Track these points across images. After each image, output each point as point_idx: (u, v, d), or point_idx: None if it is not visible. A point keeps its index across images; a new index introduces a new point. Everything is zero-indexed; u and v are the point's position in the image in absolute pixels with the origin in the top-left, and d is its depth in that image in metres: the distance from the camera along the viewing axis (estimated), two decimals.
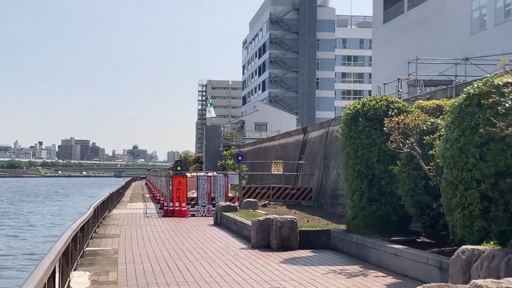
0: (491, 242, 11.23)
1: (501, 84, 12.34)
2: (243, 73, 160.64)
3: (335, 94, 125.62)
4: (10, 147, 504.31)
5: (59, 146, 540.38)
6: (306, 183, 38.43)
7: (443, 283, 7.47)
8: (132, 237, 21.45)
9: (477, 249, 10.45)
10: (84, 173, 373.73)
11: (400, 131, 15.14)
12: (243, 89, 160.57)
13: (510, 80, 12.32)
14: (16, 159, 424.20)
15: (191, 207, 32.03)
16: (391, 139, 15.33)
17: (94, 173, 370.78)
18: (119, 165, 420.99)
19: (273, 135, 65.37)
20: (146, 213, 34.23)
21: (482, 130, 11.87)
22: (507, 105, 11.91)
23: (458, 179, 12.39)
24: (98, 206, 24.16)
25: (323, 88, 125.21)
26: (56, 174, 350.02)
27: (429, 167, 14.27)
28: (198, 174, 36.11)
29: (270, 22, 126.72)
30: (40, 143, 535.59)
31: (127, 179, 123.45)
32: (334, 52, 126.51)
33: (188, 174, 36.31)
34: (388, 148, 15.86)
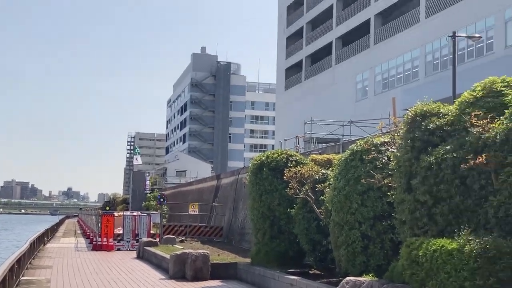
0: (370, 274, 11.37)
1: (379, 143, 12.68)
2: (167, 127, 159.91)
3: (244, 147, 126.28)
4: None
5: (1, 187, 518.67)
6: (218, 222, 38.20)
7: None
8: (63, 268, 20.72)
9: (359, 280, 10.56)
10: (23, 211, 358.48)
11: (297, 179, 15.28)
12: (166, 141, 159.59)
13: (386, 140, 12.64)
14: None
15: (117, 242, 31.27)
16: (289, 186, 15.45)
17: (32, 211, 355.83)
18: (54, 204, 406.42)
19: (191, 180, 64.96)
20: (77, 247, 33.18)
21: (363, 181, 12.11)
22: (383, 160, 12.24)
23: (343, 221, 12.57)
24: (34, 240, 23.34)
25: (235, 142, 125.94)
26: None
27: (320, 210, 14.44)
28: (124, 213, 35.42)
29: (191, 85, 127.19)
30: None
31: (61, 217, 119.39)
32: (244, 112, 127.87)
33: (116, 213, 35.53)
34: (287, 194, 16.00)
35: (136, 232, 31.81)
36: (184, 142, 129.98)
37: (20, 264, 16.05)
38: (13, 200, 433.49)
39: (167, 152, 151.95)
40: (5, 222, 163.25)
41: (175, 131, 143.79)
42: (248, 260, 18.52)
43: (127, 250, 30.21)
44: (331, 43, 58.17)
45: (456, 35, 29.36)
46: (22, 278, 16.75)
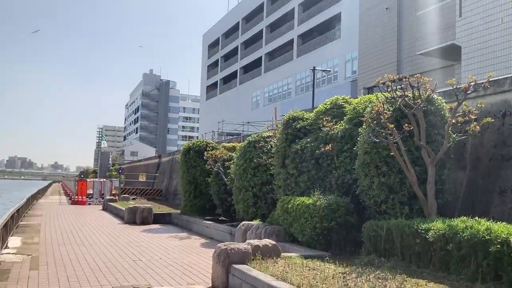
0: (257, 220, 11.57)
1: (266, 136, 12.89)
2: (124, 122, 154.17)
3: (177, 137, 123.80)
4: None
5: (6, 161, 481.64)
6: (159, 186, 37.51)
7: (232, 242, 7.57)
8: (50, 216, 19.64)
9: (250, 223, 10.73)
10: (22, 177, 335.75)
11: (212, 159, 15.32)
12: (124, 131, 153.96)
13: (270, 135, 12.90)
14: None
15: (89, 199, 30.03)
16: (207, 163, 15.47)
17: (28, 178, 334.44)
18: (45, 173, 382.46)
19: (140, 159, 63.17)
20: (60, 202, 31.51)
21: (255, 160, 12.29)
22: (268, 147, 12.45)
23: (242, 185, 12.69)
24: (30, 197, 22.04)
25: (172, 133, 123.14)
26: (4, 178, 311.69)
27: (227, 179, 14.52)
28: (94, 180, 34.01)
29: (142, 94, 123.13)
30: None
31: (49, 182, 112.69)
32: (178, 114, 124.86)
33: (88, 180, 34.06)
34: (205, 168, 16.00)
35: (102, 192, 30.65)
36: (136, 133, 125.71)
37: (19, 213, 15.08)
38: (15, 170, 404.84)
39: (124, 139, 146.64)
40: (10, 185, 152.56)
41: (130, 125, 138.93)
42: (179, 211, 18.38)
43: (95, 204, 29.07)
44: (236, 71, 57.93)
45: (315, 69, 30.10)
46: (21, 223, 15.77)
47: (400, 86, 7.75)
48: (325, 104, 10.59)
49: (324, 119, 9.80)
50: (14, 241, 11.54)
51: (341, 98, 10.60)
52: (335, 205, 8.33)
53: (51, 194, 46.73)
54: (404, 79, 7.71)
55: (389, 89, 7.85)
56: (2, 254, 9.26)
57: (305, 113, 10.98)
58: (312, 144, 9.76)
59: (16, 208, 12.97)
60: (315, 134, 10.05)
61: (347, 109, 10.02)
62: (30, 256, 9.48)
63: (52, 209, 24.32)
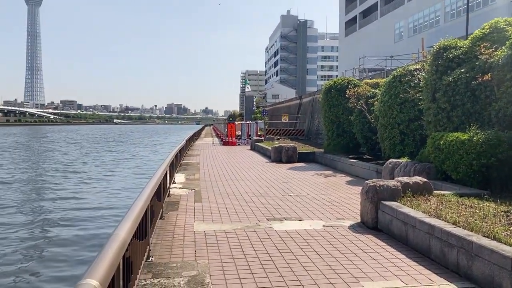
0: (405, 158, 11.19)
1: (412, 69, 12.16)
2: (265, 66, 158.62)
3: (317, 77, 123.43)
4: (138, 108, 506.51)
5: (165, 107, 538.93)
6: (301, 126, 38.34)
7: (379, 179, 7.50)
8: (206, 156, 21.64)
9: (398, 161, 10.45)
10: (179, 122, 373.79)
11: (355, 96, 15.03)
12: (265, 75, 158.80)
13: (417, 67, 12.11)
14: (142, 114, 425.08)
15: (238, 140, 32.23)
16: (350, 101, 15.23)
17: (184, 122, 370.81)
18: (197, 118, 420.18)
19: (282, 100, 64.81)
20: (213, 143, 34.46)
21: (401, 96, 11.72)
22: (415, 81, 11.73)
23: (387, 123, 12.32)
24: (188, 139, 24.45)
25: (310, 74, 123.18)
26: (164, 123, 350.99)
27: (370, 116, 14.18)
28: (241, 122, 36.20)
29: (281, 37, 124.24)
30: (155, 105, 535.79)
31: (202, 125, 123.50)
32: (316, 54, 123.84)
33: (236, 122, 36.41)
34: (348, 106, 15.79)
35: (249, 133, 32.58)
36: (277, 75, 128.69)
37: (181, 153, 16.92)
38: (173, 116, 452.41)
39: (266, 82, 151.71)
40: (169, 129, 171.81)
41: (271, 68, 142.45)
42: (322, 150, 18.64)
43: (244, 145, 31.11)
44: (376, 2, 54.48)
45: None
46: (182, 161, 17.72)
47: None
48: (483, 29, 9.48)
49: (481, 45, 8.85)
50: (179, 177, 13.12)
51: (502, 21, 9.35)
52: (495, 140, 7.60)
53: (204, 136, 51.27)
54: None
55: None
56: (171, 188, 10.62)
57: (458, 41, 10.00)
58: (467, 75, 8.90)
59: (179, 149, 14.56)
60: (470, 64, 9.13)
61: (510, 32, 8.84)
62: (194, 190, 10.69)
63: (207, 149, 26.75)
